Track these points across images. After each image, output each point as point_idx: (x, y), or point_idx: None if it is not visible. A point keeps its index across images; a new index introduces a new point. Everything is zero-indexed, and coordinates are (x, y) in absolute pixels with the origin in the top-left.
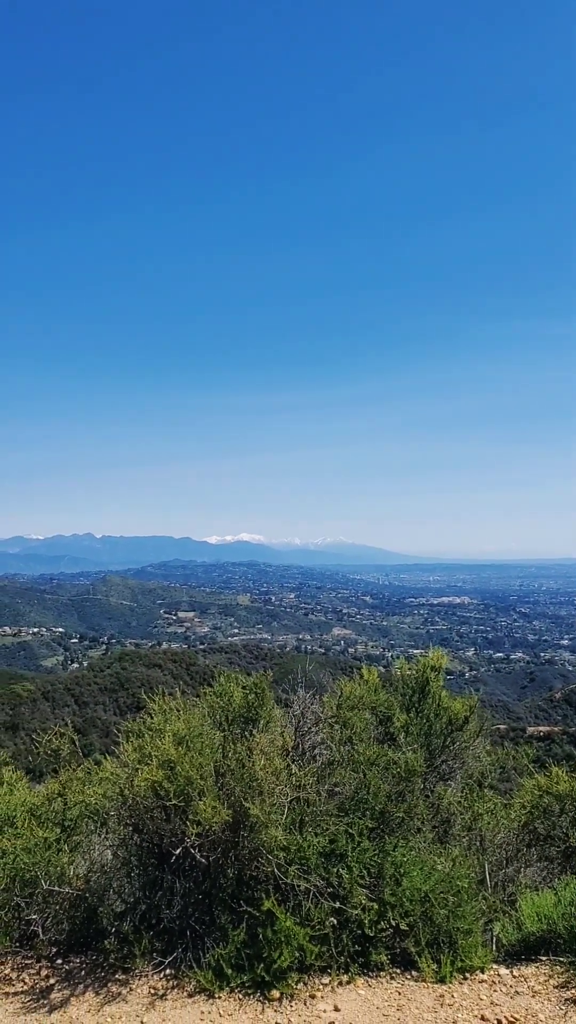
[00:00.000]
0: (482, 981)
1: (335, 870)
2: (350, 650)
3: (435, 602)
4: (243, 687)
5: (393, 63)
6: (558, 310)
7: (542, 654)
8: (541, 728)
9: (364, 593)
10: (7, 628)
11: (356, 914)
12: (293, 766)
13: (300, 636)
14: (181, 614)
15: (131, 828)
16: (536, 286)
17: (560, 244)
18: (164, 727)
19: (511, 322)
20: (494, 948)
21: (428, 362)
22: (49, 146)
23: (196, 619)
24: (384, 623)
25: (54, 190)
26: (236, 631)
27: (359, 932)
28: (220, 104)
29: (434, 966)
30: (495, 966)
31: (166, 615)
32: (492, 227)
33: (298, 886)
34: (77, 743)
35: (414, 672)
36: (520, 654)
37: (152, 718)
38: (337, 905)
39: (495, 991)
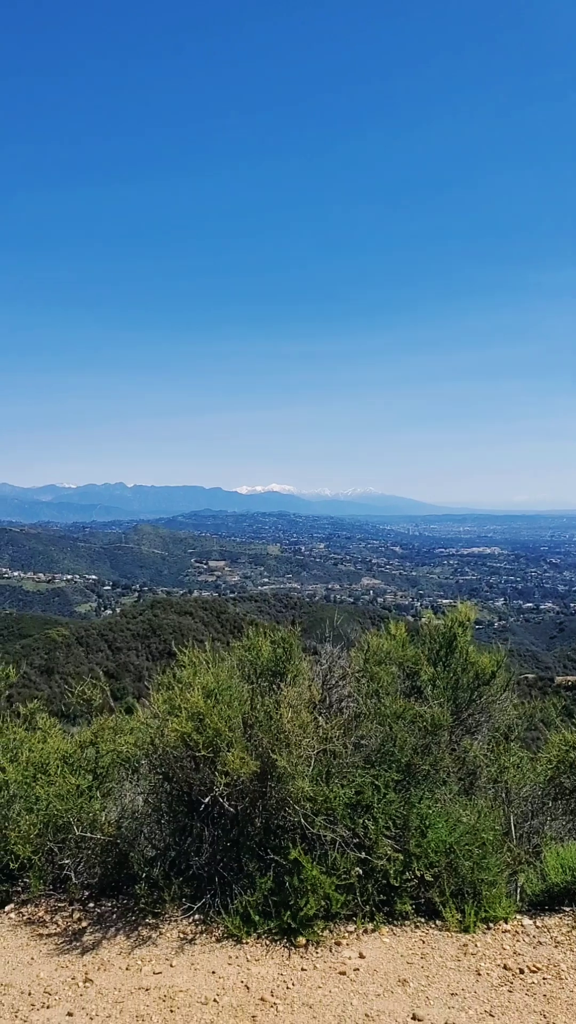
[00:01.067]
0: (505, 931)
1: (361, 821)
2: (379, 600)
3: (465, 552)
4: (271, 641)
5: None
6: None
7: (572, 604)
8: (569, 677)
9: (394, 543)
10: (42, 575)
11: (381, 864)
12: (320, 719)
13: (329, 586)
14: (212, 563)
15: (161, 776)
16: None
17: None
18: (193, 680)
19: (553, 271)
20: (518, 899)
21: (462, 311)
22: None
23: (226, 568)
24: (413, 573)
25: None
26: (266, 580)
27: (384, 882)
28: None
29: (458, 916)
30: (519, 916)
31: (197, 564)
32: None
33: (324, 836)
34: (108, 693)
35: (442, 626)
36: (550, 604)
37: (182, 670)
38: (363, 855)
39: (518, 941)
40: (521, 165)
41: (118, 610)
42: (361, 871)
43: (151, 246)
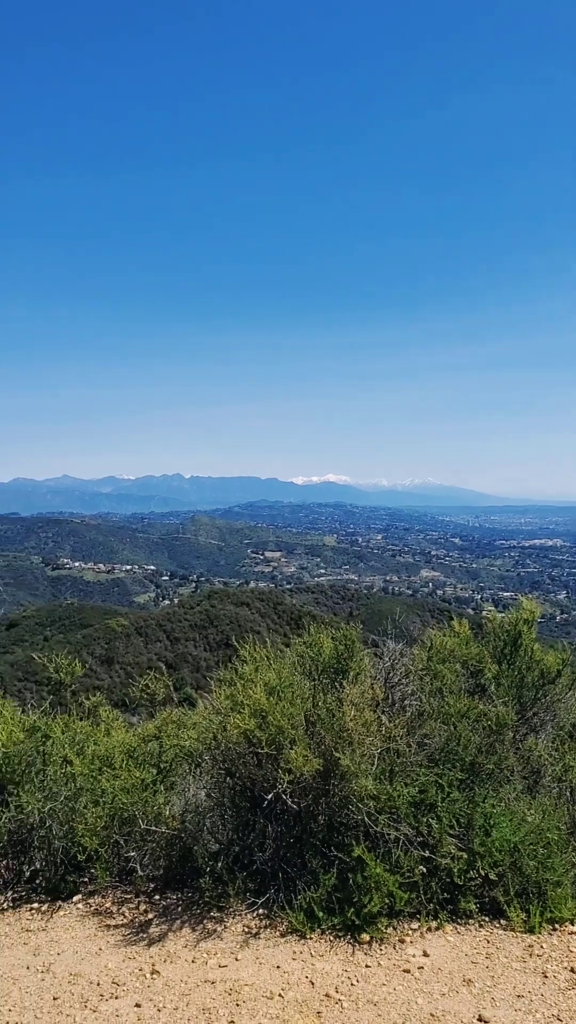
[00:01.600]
0: (572, 933)
1: (425, 820)
2: (439, 592)
3: (526, 544)
4: (332, 638)
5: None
6: None
7: None
8: None
9: (453, 535)
10: (102, 565)
11: (445, 863)
12: (383, 717)
13: (387, 578)
14: (268, 554)
15: (224, 772)
16: None
17: None
18: (255, 677)
19: None
20: None
21: (525, 296)
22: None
23: (283, 559)
24: (474, 565)
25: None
26: (322, 571)
27: (448, 880)
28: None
29: (523, 916)
30: None
31: (253, 555)
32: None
33: (388, 834)
34: (171, 687)
35: (507, 623)
36: None
37: (244, 666)
38: (426, 854)
39: None
40: None
41: (176, 600)
42: (425, 869)
43: (215, 234)
